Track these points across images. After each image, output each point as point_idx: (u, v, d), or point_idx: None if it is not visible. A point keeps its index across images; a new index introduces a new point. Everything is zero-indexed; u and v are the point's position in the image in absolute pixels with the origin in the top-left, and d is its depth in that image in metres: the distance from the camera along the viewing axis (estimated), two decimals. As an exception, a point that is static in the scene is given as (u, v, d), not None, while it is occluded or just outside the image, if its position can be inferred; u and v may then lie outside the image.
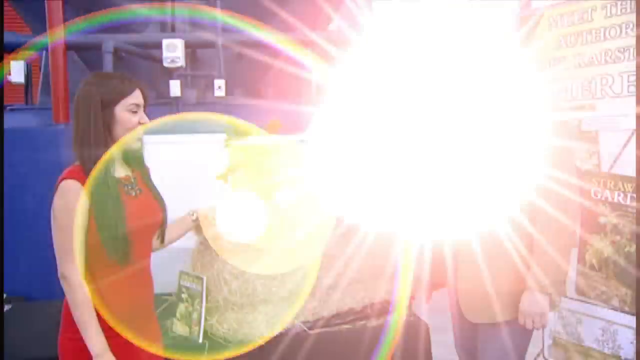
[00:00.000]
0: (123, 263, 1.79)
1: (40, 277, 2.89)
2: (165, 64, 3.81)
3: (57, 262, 1.71)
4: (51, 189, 1.76)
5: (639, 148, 1.64)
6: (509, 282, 1.98)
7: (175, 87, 3.86)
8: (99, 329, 1.71)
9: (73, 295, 1.70)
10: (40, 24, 4.15)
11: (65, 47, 3.59)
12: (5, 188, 3.50)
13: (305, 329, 2.28)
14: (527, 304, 1.95)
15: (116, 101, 1.77)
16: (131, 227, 1.80)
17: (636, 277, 1.50)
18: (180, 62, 3.83)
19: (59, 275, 1.71)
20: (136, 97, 1.83)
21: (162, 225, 2.00)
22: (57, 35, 3.53)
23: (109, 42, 3.71)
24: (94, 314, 1.71)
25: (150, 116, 4.03)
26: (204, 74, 4.10)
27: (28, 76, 4.11)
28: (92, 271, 1.75)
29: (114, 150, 1.81)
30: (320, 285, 2.37)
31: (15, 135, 3.51)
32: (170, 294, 2.49)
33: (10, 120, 3.80)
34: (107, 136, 1.77)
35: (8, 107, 4.07)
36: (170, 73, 3.91)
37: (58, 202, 1.70)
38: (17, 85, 4.17)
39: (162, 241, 2.05)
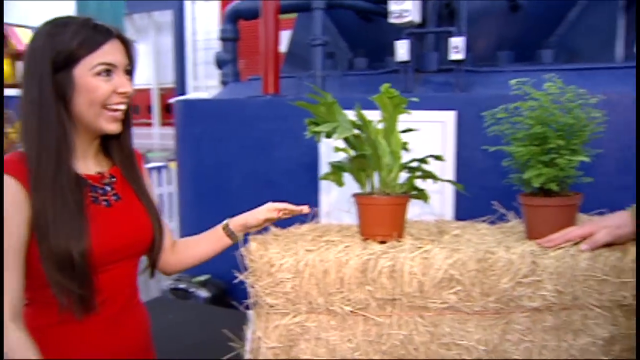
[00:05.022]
0: (81, 314, 1.13)
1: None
2: (391, 20, 2.94)
3: None
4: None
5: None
6: None
7: (401, 49, 2.96)
8: None
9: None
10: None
11: (278, 10, 3.05)
12: (215, 161, 3.26)
13: None
14: None
15: (74, 59, 1.11)
16: (100, 255, 1.13)
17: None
18: (411, 16, 2.90)
19: None
20: (108, 53, 1.14)
21: (153, 248, 1.28)
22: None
23: (321, -3, 3.04)
24: None
25: (372, 84, 3.27)
26: (440, 30, 3.05)
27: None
28: (34, 317, 1.14)
29: (77, 134, 1.17)
30: None
31: (224, 107, 3.18)
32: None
33: (244, 91, 3.53)
34: (61, 112, 1.12)
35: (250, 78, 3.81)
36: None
37: None
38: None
39: (152, 273, 1.33)
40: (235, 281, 1.37)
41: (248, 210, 1.50)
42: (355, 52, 3.75)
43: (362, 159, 1.41)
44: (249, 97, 3.12)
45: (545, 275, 1.25)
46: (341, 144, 1.48)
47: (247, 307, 1.49)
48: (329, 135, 1.39)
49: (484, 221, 1.63)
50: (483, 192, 2.01)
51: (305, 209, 1.47)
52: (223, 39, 3.74)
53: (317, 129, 1.35)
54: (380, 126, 1.45)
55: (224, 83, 3.78)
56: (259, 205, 1.48)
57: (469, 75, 2.95)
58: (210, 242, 1.42)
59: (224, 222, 1.43)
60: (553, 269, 1.25)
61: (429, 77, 3.12)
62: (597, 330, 1.28)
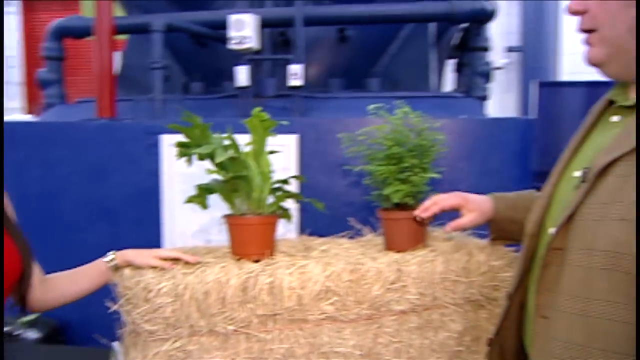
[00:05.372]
0: None
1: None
2: (231, 46, 3.00)
3: None
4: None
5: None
6: None
7: (241, 75, 3.03)
8: None
9: None
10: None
11: (113, 31, 2.94)
12: (42, 189, 3.03)
13: None
14: None
15: None
16: None
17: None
18: (251, 43, 2.99)
19: None
20: None
21: (23, 282, 1.17)
22: (104, 17, 2.90)
23: (160, 20, 3.00)
24: None
25: (211, 109, 3.29)
26: (278, 57, 3.21)
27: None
28: None
29: None
30: None
31: (53, 131, 2.96)
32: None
33: (74, 114, 3.31)
34: None
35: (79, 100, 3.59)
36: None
37: None
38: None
39: (24, 309, 1.22)
40: (110, 311, 1.30)
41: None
42: (190, 77, 3.74)
43: (235, 181, 1.44)
44: (82, 120, 2.95)
45: (409, 280, 1.39)
46: (208, 164, 1.49)
47: (113, 340, 1.43)
48: (201, 158, 1.40)
49: (343, 236, 1.75)
50: (326, 211, 2.14)
51: (196, 259, 1.40)
52: (47, 58, 3.47)
53: (195, 151, 1.35)
54: (247, 148, 1.50)
55: (49, 105, 3.50)
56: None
57: (306, 101, 3.11)
58: (90, 278, 1.33)
59: (108, 256, 1.35)
60: (416, 274, 1.39)
61: (267, 102, 3.21)
62: (452, 325, 1.45)
